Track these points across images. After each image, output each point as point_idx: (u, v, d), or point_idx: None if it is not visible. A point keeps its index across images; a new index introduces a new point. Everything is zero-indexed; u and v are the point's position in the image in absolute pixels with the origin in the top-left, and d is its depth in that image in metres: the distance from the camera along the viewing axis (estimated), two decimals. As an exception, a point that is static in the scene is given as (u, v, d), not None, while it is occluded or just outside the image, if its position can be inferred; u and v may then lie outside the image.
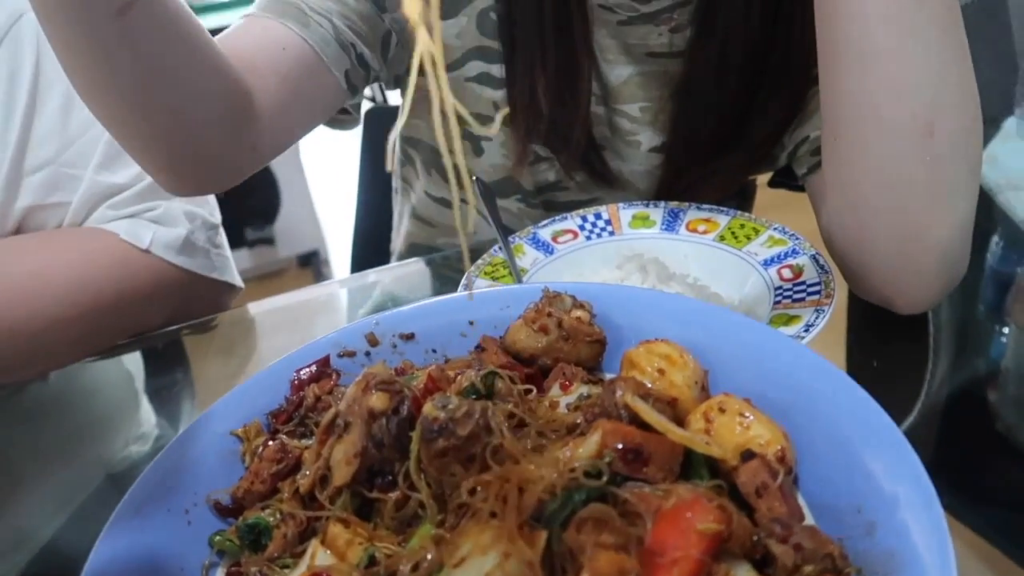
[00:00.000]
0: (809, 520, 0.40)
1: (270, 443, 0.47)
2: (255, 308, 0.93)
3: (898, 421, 0.70)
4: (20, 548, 0.69)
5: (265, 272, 3.00)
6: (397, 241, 1.13)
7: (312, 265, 3.12)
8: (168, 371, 0.90)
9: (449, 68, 0.86)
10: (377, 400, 0.44)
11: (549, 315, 0.51)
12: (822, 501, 0.41)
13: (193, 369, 0.91)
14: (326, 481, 0.43)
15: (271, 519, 0.43)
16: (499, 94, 0.85)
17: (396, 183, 1.11)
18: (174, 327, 0.88)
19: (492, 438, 0.41)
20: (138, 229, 0.84)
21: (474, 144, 0.90)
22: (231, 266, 0.94)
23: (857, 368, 0.74)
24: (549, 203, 0.94)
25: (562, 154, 0.86)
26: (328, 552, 0.41)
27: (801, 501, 0.41)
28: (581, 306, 0.52)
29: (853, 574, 0.36)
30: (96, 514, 0.73)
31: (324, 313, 0.97)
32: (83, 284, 0.81)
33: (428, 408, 0.42)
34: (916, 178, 0.58)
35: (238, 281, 0.95)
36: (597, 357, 0.52)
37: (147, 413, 0.90)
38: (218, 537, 0.44)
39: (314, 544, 0.41)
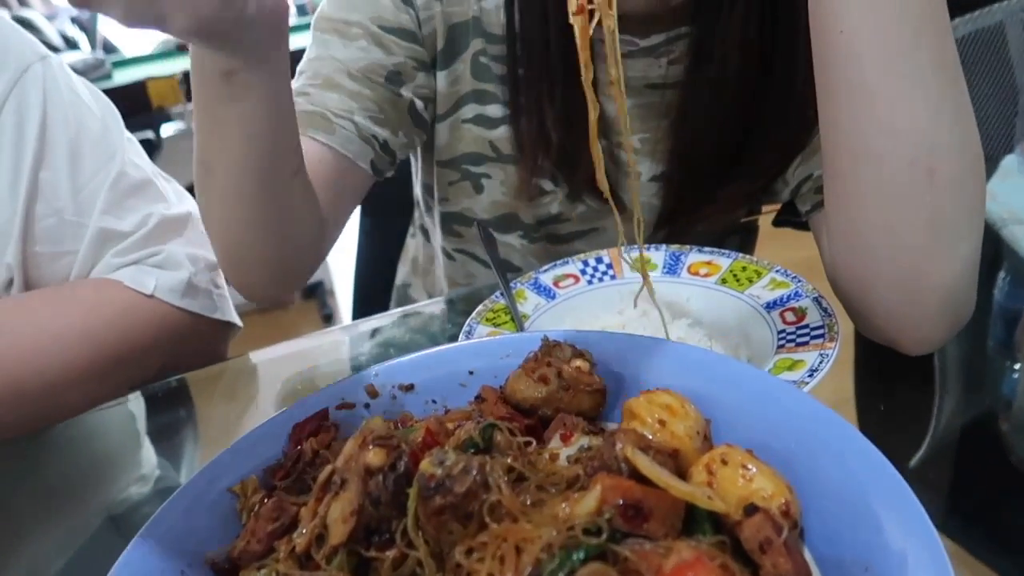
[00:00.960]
0: (816, 576, 0.39)
1: (266, 501, 0.46)
2: (261, 354, 0.93)
3: (907, 459, 0.69)
4: None
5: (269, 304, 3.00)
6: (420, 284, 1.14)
7: (317, 296, 3.11)
8: (170, 413, 0.90)
9: (447, 113, 0.87)
10: (374, 456, 0.43)
11: (548, 364, 0.51)
12: (829, 557, 0.40)
13: (197, 411, 0.91)
14: (323, 540, 0.43)
15: (267, 579, 0.42)
16: (495, 133, 0.87)
17: (414, 228, 1.13)
18: (180, 375, 0.88)
19: (490, 494, 0.40)
20: (142, 276, 0.85)
21: (474, 183, 0.91)
22: (231, 306, 0.95)
23: (864, 409, 0.73)
24: (551, 236, 0.94)
25: (572, 179, 0.87)
26: (324, 615, 0.40)
27: (807, 556, 0.40)
28: (581, 355, 0.52)
29: (862, 635, 0.35)
30: (97, 557, 0.73)
31: (328, 358, 0.96)
32: (90, 335, 0.81)
33: (425, 465, 0.41)
34: (916, 220, 0.58)
35: (237, 320, 0.95)
36: (598, 407, 0.51)
37: (148, 454, 0.89)
38: (213, 599, 0.43)
39: (310, 606, 0.40)
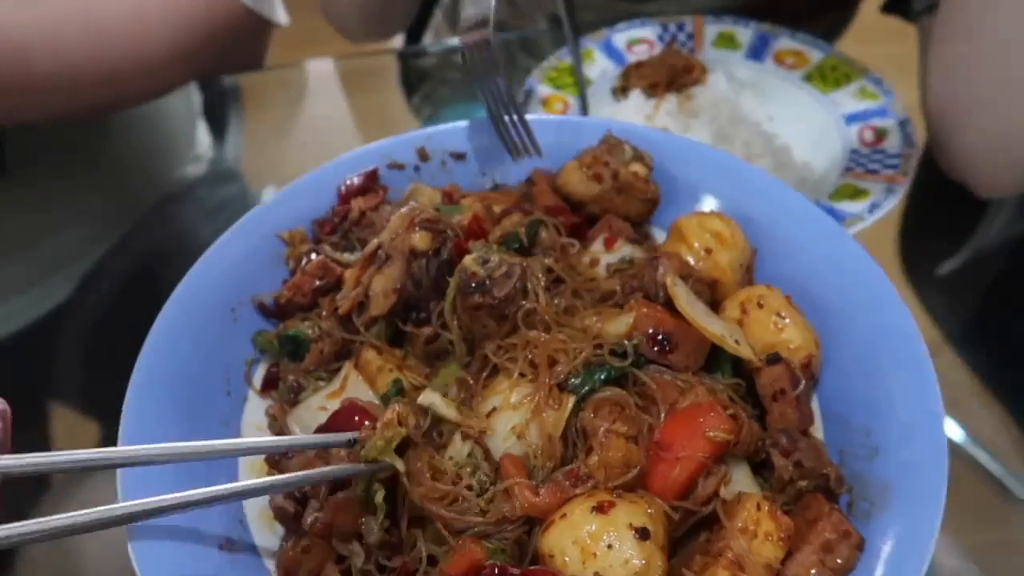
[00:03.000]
0: (818, 427, 0.42)
1: (313, 256, 0.48)
2: (313, 64, 0.90)
3: (943, 261, 0.69)
4: (87, 252, 0.76)
5: None
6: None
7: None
8: (223, 106, 0.91)
9: None
10: (420, 240, 0.44)
11: (606, 164, 0.49)
12: (835, 411, 0.41)
13: (247, 109, 0.92)
14: (363, 307, 0.45)
15: (310, 332, 0.46)
16: None
17: None
18: (230, 74, 0.87)
19: (527, 301, 0.41)
20: None
21: None
22: (280, 2, 0.90)
23: (913, 223, 0.71)
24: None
25: None
26: (359, 376, 0.43)
27: (815, 405, 0.42)
28: (641, 158, 0.50)
29: (843, 494, 0.38)
30: (156, 229, 0.78)
31: (377, 80, 0.93)
32: (177, 27, 0.79)
33: (468, 261, 0.42)
34: None
35: (284, 19, 0.91)
36: (648, 214, 0.51)
37: (203, 136, 0.92)
38: (261, 337, 0.47)
39: (348, 367, 0.44)
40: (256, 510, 0.41)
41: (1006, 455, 0.55)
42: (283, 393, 0.45)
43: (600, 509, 0.33)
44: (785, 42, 0.71)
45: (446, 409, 0.39)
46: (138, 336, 0.43)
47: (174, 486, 0.34)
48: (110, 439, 0.39)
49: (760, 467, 0.39)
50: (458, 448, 0.37)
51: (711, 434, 0.36)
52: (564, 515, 0.34)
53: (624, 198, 0.50)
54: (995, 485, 0.54)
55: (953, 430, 0.56)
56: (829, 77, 0.67)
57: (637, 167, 0.49)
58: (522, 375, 0.39)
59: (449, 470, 0.37)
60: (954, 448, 0.56)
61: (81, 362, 0.68)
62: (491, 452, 0.37)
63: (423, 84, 0.96)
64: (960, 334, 0.67)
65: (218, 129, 0.93)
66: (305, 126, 0.90)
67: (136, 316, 0.45)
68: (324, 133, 0.89)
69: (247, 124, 0.91)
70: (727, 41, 0.72)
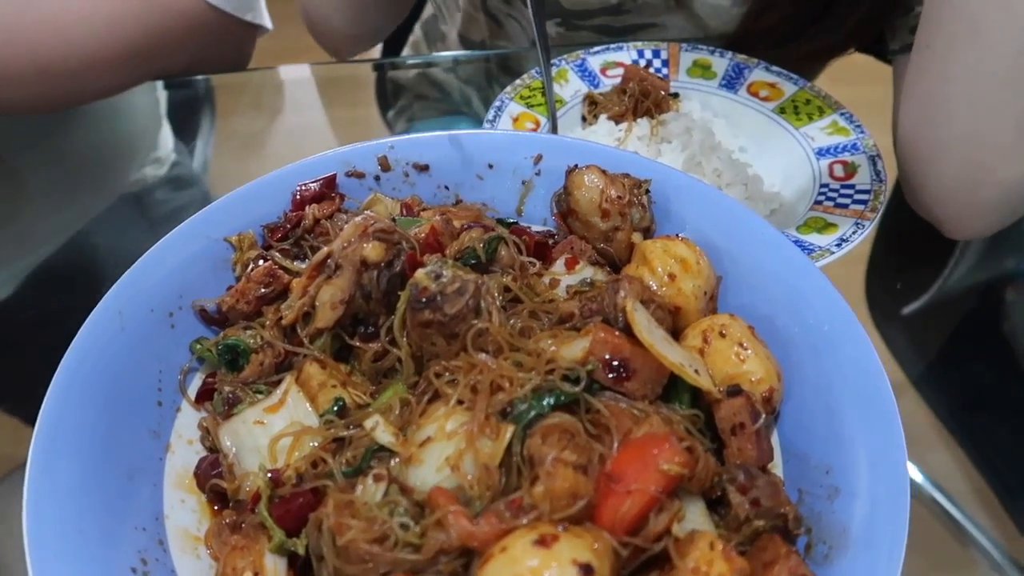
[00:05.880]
0: (778, 463, 0.40)
1: (260, 262, 0.45)
2: (289, 71, 0.88)
3: (909, 301, 0.69)
4: (33, 251, 0.72)
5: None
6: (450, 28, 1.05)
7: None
8: (193, 107, 0.88)
9: None
10: (372, 251, 0.42)
11: (622, 214, 0.47)
12: (796, 448, 0.40)
13: (219, 112, 0.89)
14: (309, 319, 0.43)
15: (251, 341, 0.43)
16: None
17: None
18: (207, 75, 0.85)
19: (480, 320, 0.39)
20: None
21: None
22: (262, 5, 0.88)
23: (880, 261, 0.71)
24: (604, 28, 0.85)
25: None
26: (300, 392, 0.41)
27: (775, 441, 0.41)
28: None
29: (801, 535, 0.36)
30: (106, 232, 0.75)
31: (353, 91, 0.92)
32: (122, 24, 0.76)
33: (420, 275, 0.40)
34: (1003, 109, 0.52)
35: (267, 23, 0.89)
36: (617, 257, 0.49)
37: (167, 138, 0.89)
38: (199, 345, 0.44)
39: (288, 381, 0.41)
40: (179, 530, 0.38)
41: (965, 499, 0.54)
42: (217, 404, 0.42)
43: (542, 543, 0.31)
44: (760, 73, 0.70)
45: (385, 435, 0.37)
46: (71, 339, 0.41)
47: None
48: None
49: (716, 504, 0.37)
50: (370, 490, 0.35)
51: (665, 467, 0.34)
52: (504, 548, 0.31)
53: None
54: (954, 528, 0.53)
55: (913, 472, 0.55)
56: (802, 111, 0.67)
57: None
58: (460, 402, 0.37)
59: (363, 514, 0.34)
60: (914, 490, 0.56)
61: (11, 361, 0.65)
62: (416, 489, 0.35)
63: (399, 98, 0.95)
64: (923, 375, 0.67)
65: (188, 133, 0.90)
66: (278, 134, 0.88)
67: (74, 319, 0.42)
68: (296, 142, 0.87)
69: (219, 130, 0.89)
70: (702, 70, 0.71)
